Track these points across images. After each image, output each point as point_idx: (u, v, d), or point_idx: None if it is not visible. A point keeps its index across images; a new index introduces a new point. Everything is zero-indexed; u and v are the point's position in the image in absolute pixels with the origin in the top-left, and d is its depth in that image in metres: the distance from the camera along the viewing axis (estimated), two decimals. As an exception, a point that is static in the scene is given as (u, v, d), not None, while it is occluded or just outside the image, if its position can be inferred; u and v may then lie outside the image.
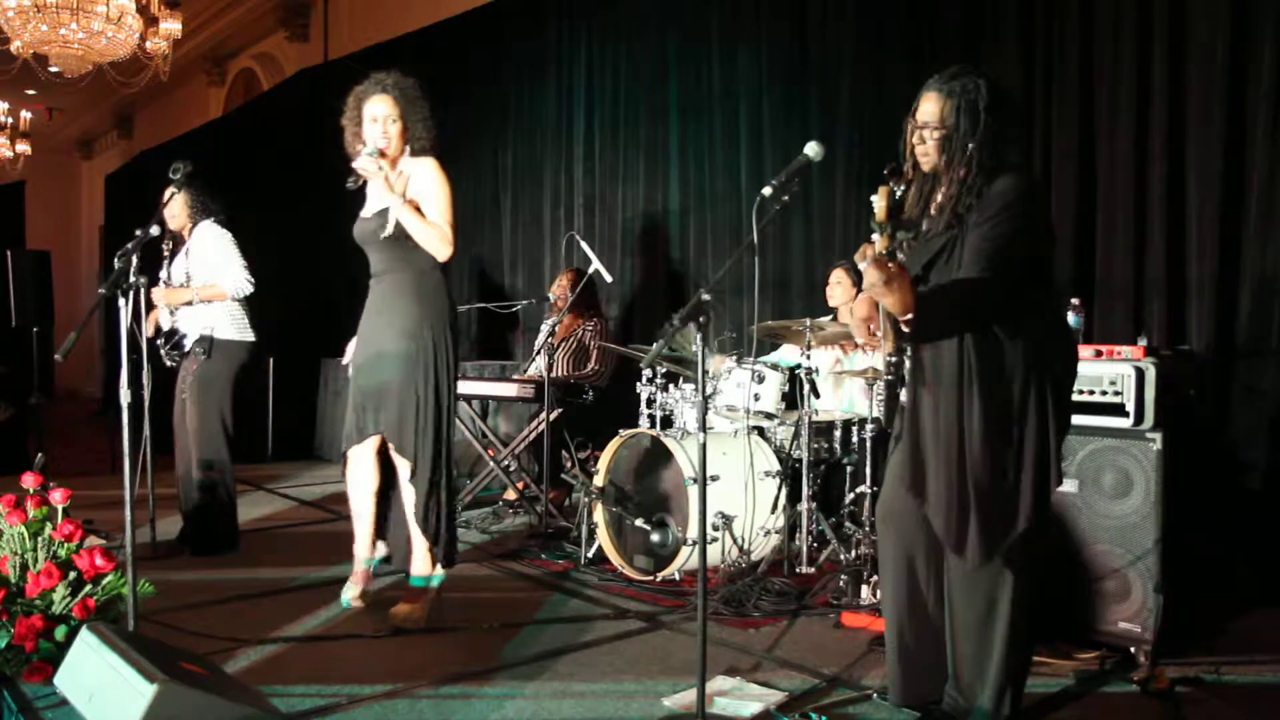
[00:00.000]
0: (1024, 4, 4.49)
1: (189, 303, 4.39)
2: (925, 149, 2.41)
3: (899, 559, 2.53)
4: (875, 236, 2.10)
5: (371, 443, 3.43)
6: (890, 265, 2.11)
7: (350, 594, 3.51)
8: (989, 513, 2.31)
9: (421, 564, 3.43)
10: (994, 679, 2.37)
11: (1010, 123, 2.40)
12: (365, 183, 3.38)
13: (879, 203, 2.10)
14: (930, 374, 2.41)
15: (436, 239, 3.30)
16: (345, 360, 3.63)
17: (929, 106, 2.39)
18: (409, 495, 3.38)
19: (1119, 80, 4.15)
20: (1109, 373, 3.06)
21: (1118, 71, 4.16)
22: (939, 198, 2.43)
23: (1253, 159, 3.80)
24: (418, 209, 3.31)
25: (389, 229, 3.31)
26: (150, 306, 4.44)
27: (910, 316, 2.20)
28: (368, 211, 3.45)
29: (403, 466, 3.37)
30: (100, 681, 2.30)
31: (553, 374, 5.15)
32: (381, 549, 3.62)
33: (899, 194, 2.17)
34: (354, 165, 3.29)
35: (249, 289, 4.43)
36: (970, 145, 2.33)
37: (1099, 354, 3.15)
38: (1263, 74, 3.75)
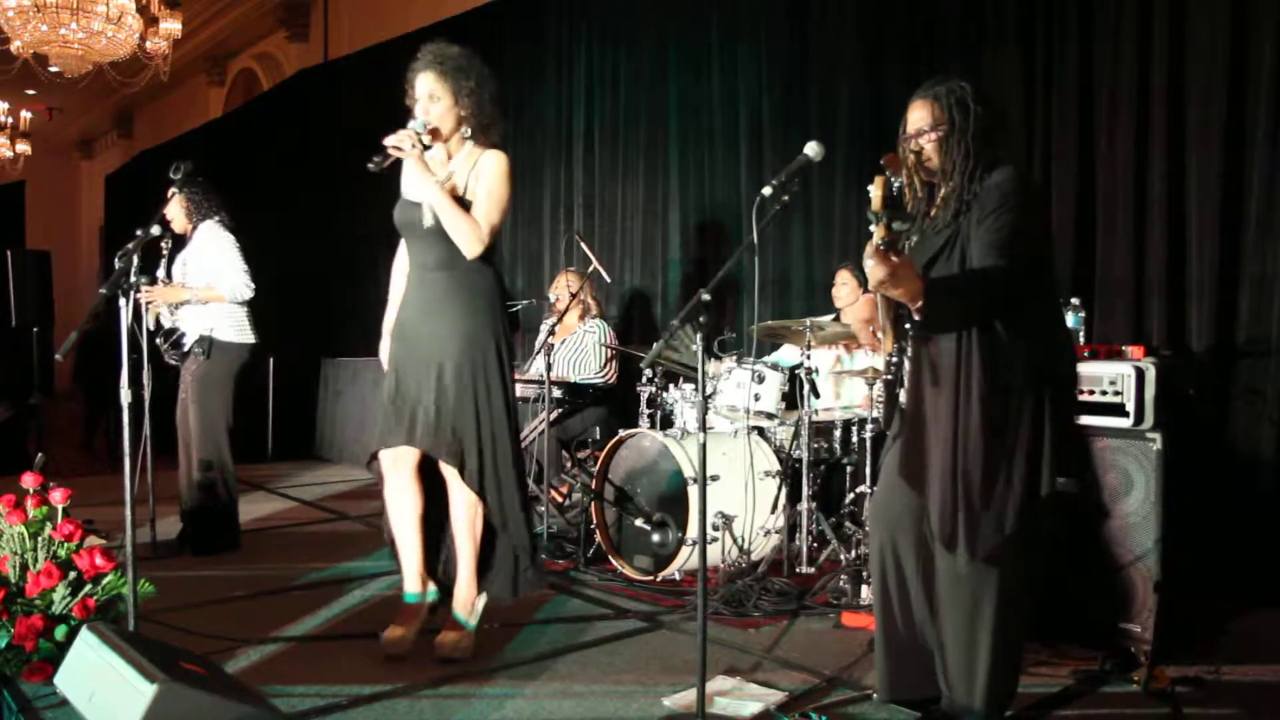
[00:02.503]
0: (1024, 4, 4.49)
1: (186, 301, 4.40)
2: (925, 154, 2.43)
3: (887, 556, 2.53)
4: (872, 227, 2.11)
5: (411, 460, 3.03)
6: (891, 256, 2.11)
7: (391, 636, 3.02)
8: (979, 512, 2.31)
9: (464, 606, 3.08)
10: (983, 681, 2.36)
11: (998, 121, 2.42)
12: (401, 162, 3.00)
13: (875, 192, 2.11)
14: (930, 372, 2.41)
15: (467, 233, 2.92)
16: (382, 357, 3.19)
17: (919, 114, 2.44)
18: (463, 517, 3.02)
19: (1119, 80, 4.15)
20: (1109, 373, 3.06)
21: (1118, 71, 4.16)
22: (939, 196, 2.44)
23: (1253, 159, 3.80)
24: (460, 200, 2.95)
25: (427, 219, 2.96)
26: (146, 302, 4.45)
27: (921, 304, 2.20)
28: (412, 195, 3.05)
29: (462, 491, 2.99)
30: (100, 681, 2.30)
31: (557, 375, 5.14)
32: (432, 587, 3.14)
33: (896, 184, 2.17)
34: (385, 140, 2.88)
35: (248, 294, 4.45)
36: (966, 138, 2.36)
37: (1099, 354, 3.15)
38: (1263, 74, 3.75)
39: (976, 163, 2.35)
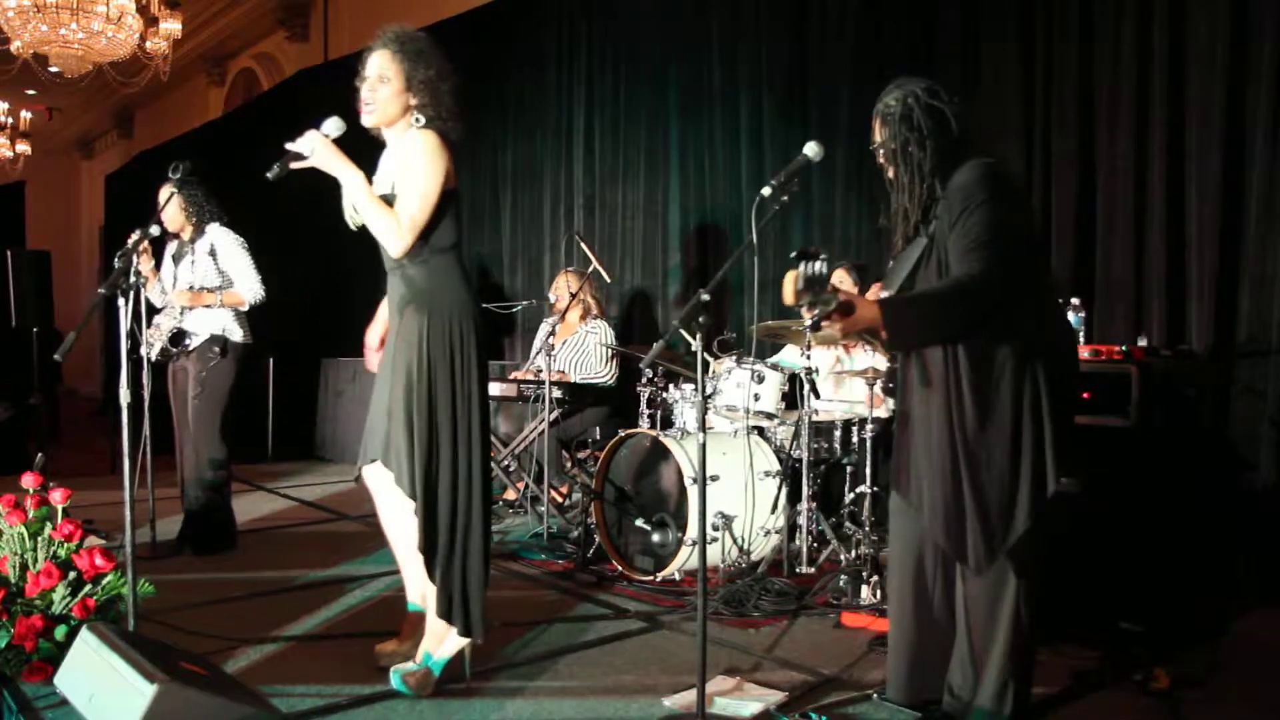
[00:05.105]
0: (1024, 4, 4.49)
1: (208, 306, 4.43)
2: (883, 167, 2.50)
3: (907, 555, 2.53)
4: (803, 312, 2.15)
5: (386, 472, 2.82)
6: (832, 318, 2.13)
7: (384, 649, 2.94)
8: (987, 516, 2.30)
9: (431, 638, 2.79)
10: (996, 675, 2.37)
11: (945, 123, 2.40)
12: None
13: (786, 288, 2.13)
14: (920, 373, 2.41)
15: (383, 229, 2.66)
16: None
17: (874, 129, 2.49)
18: (409, 538, 2.77)
19: (1119, 80, 4.15)
20: (1108, 372, 3.06)
21: (1118, 71, 4.16)
22: (909, 205, 2.46)
23: (1253, 159, 3.80)
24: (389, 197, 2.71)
25: (348, 215, 2.74)
26: (153, 310, 4.48)
27: (883, 331, 2.21)
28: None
29: (405, 504, 2.77)
30: (100, 681, 2.30)
31: (558, 374, 5.15)
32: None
33: (814, 267, 2.13)
34: (287, 145, 2.65)
35: (263, 297, 4.51)
36: (909, 148, 2.39)
37: (1099, 354, 3.15)
38: (1263, 74, 3.75)
39: (928, 169, 2.37)
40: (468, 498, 2.74)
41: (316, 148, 2.65)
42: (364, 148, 2.84)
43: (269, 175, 2.64)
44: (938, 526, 2.36)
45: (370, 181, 2.76)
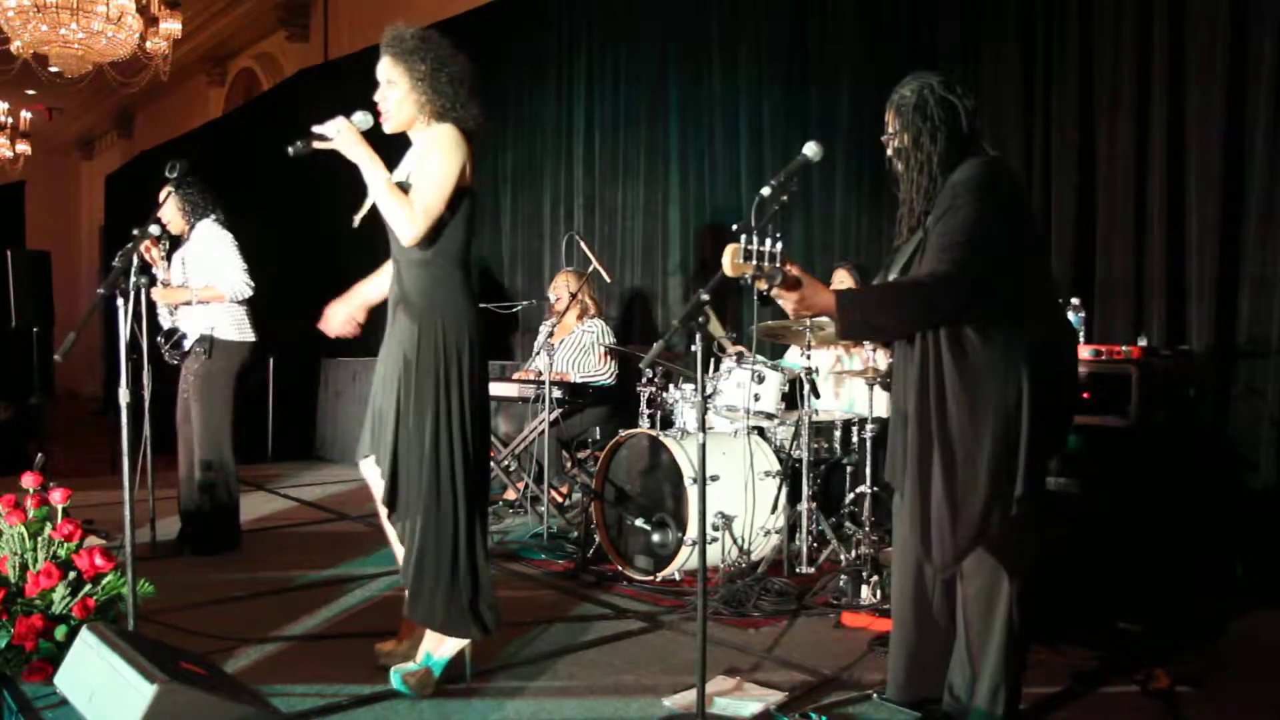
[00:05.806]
0: (1024, 4, 4.49)
1: (188, 302, 4.41)
2: (892, 157, 2.50)
3: (908, 555, 2.52)
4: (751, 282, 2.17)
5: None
6: (780, 291, 2.14)
7: (384, 648, 2.96)
8: (953, 517, 2.27)
9: (431, 638, 2.78)
10: (990, 677, 2.37)
11: (955, 118, 2.39)
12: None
13: (725, 261, 2.13)
14: (902, 379, 2.41)
15: (396, 216, 2.65)
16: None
17: (888, 119, 2.49)
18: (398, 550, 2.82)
19: (1119, 80, 4.16)
20: (1108, 372, 3.06)
21: (1118, 71, 4.16)
22: (911, 198, 2.46)
23: (1253, 159, 3.80)
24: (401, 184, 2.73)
25: (363, 209, 2.76)
26: (151, 305, 4.47)
27: (836, 318, 2.23)
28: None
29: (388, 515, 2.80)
30: (100, 681, 2.30)
31: (558, 374, 5.15)
32: None
33: (757, 241, 2.12)
34: (314, 128, 2.70)
35: (248, 292, 4.45)
36: (917, 140, 2.40)
37: (1099, 354, 3.16)
38: (1263, 74, 3.75)
39: (931, 163, 2.38)
40: (453, 508, 2.70)
41: (341, 131, 2.69)
42: (394, 150, 2.87)
43: (290, 151, 2.69)
44: (908, 522, 2.37)
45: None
